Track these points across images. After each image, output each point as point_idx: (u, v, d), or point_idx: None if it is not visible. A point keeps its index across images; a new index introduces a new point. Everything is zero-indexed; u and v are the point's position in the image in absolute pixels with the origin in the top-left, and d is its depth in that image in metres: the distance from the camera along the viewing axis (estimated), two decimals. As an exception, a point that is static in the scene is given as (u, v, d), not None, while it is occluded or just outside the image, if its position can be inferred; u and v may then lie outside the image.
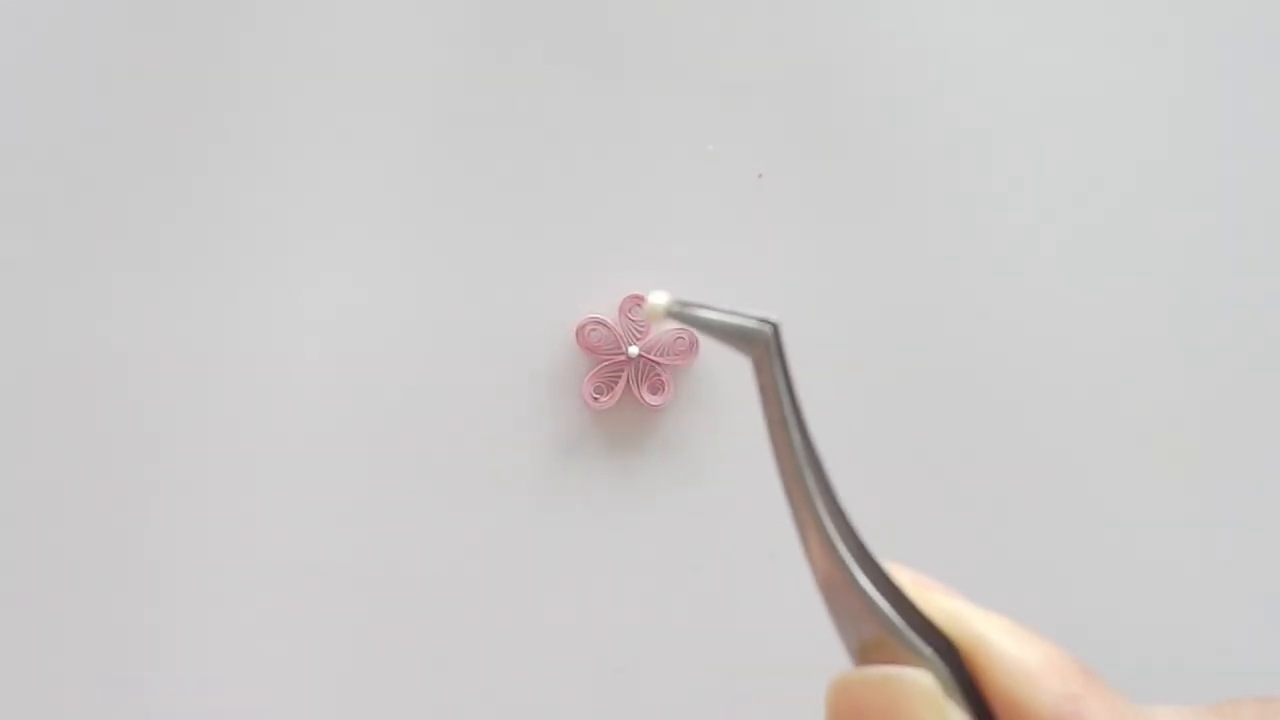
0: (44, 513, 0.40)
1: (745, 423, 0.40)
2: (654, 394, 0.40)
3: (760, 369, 0.21)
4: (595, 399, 0.40)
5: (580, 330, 0.40)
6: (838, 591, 0.21)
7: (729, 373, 0.40)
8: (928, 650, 0.20)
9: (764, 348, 0.21)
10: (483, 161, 0.40)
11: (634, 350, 0.40)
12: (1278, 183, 0.41)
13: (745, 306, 0.20)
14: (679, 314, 0.21)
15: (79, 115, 0.40)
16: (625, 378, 0.40)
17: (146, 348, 0.40)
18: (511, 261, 0.40)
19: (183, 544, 0.40)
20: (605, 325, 0.40)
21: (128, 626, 0.40)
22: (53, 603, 0.40)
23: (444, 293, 0.40)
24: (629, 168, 0.40)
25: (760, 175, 0.40)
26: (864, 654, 0.21)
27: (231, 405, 0.40)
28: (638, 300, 0.40)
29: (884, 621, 0.20)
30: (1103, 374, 0.41)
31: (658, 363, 0.40)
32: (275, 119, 0.40)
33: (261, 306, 0.40)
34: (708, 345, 0.40)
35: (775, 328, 0.21)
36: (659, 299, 0.21)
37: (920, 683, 0.20)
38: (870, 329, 0.40)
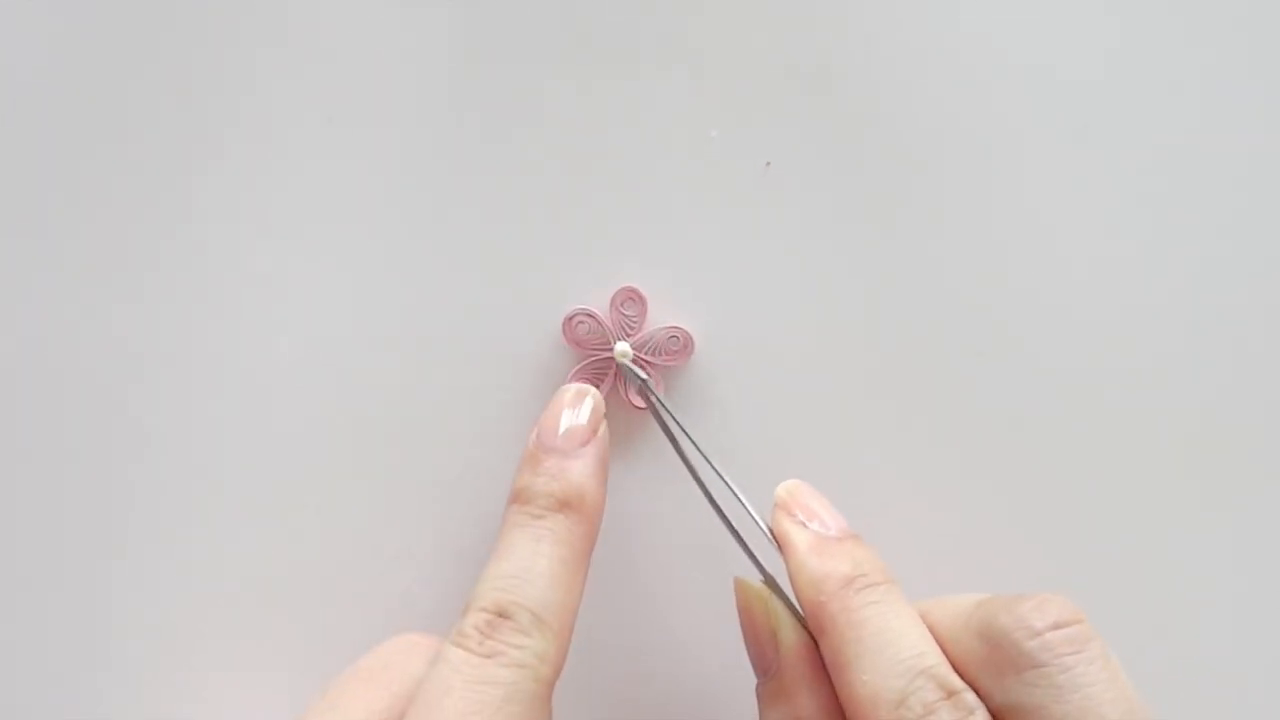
0: (30, 511, 0.39)
1: (741, 422, 0.38)
2: (640, 395, 0.37)
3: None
4: (579, 397, 0.37)
5: (568, 322, 0.37)
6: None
7: (724, 373, 0.38)
8: (768, 570, 0.32)
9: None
10: (475, 146, 0.38)
11: (621, 347, 0.37)
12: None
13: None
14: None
15: (66, 111, 0.39)
16: (610, 376, 0.37)
17: (128, 345, 0.39)
18: (504, 251, 0.38)
19: (172, 542, 0.39)
20: (594, 318, 0.37)
21: (113, 624, 0.39)
22: (39, 601, 0.39)
23: (433, 283, 0.39)
24: (630, 154, 0.38)
25: (768, 164, 0.38)
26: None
27: (212, 400, 0.39)
28: (631, 293, 0.37)
29: (745, 550, 0.33)
30: (1115, 372, 0.39)
31: (648, 362, 0.37)
32: (258, 110, 0.39)
33: (242, 300, 0.39)
34: (703, 346, 0.38)
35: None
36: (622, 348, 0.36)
37: (754, 586, 0.32)
38: (880, 320, 0.39)
